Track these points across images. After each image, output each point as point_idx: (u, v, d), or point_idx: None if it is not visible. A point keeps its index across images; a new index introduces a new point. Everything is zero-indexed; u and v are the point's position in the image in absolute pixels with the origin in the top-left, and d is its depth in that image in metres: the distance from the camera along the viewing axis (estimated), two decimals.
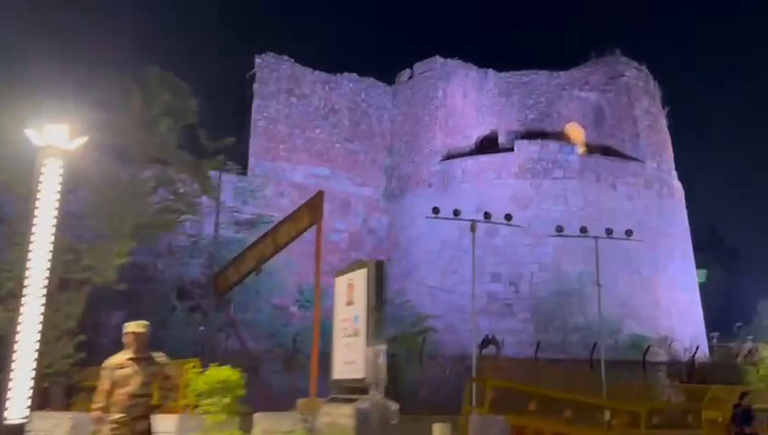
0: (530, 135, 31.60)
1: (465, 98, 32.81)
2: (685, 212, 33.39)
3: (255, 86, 30.46)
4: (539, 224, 28.14)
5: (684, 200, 33.91)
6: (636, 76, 32.38)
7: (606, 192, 29.31)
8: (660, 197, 30.66)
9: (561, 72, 32.91)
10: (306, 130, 31.35)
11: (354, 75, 33.73)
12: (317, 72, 32.57)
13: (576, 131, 32.65)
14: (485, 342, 23.10)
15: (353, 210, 31.81)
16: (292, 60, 31.90)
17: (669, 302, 28.94)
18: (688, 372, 21.21)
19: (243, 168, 29.22)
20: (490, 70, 32.95)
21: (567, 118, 32.50)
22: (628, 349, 25.39)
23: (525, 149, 29.89)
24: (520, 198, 28.83)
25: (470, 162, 30.52)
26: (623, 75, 32.20)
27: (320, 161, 31.43)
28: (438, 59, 33.24)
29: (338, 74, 33.28)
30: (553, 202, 28.79)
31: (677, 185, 32.67)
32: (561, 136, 31.94)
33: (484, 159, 30.36)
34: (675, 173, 33.60)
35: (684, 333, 28.36)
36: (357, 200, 32.05)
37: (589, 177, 29.39)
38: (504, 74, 32.99)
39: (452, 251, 29.24)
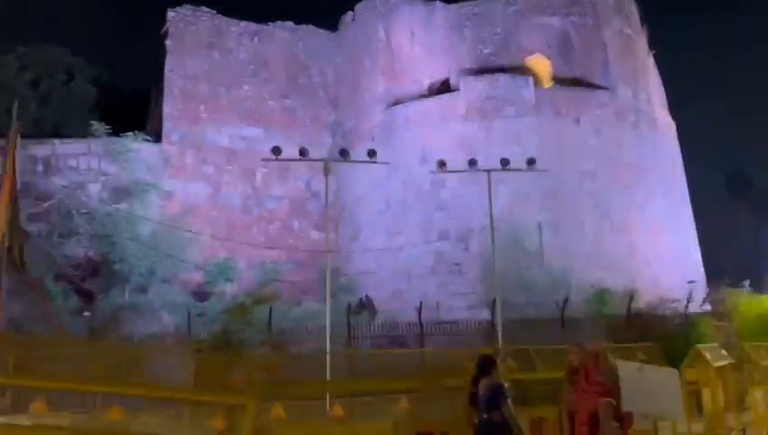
0: (486, 72, 27.72)
1: (412, 37, 29.06)
2: (675, 147, 29.12)
3: (168, 42, 27.38)
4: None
5: (675, 134, 29.62)
6: None
7: (568, 127, 25.34)
8: (636, 128, 26.47)
9: None
10: (232, 87, 28.18)
11: (290, 23, 30.33)
12: (244, 22, 29.30)
13: (540, 64, 28.62)
14: (358, 306, 19.67)
15: (293, 174, 28.59)
16: (214, 11, 28.67)
17: (649, 249, 24.94)
18: (623, 327, 17.43)
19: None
20: (438, 2, 29.05)
21: (528, 50, 28.46)
22: (595, 304, 21.64)
23: (472, 86, 26.09)
24: (468, 143, 25.15)
25: (412, 108, 26.89)
26: None
27: (251, 121, 28.24)
28: None
29: (270, 24, 29.94)
30: (506, 143, 24.95)
31: (662, 116, 28.36)
32: (522, 71, 27.98)
33: (429, 103, 26.70)
34: (660, 102, 29.28)
35: (673, 284, 24.35)
36: (298, 162, 28.71)
37: (546, 112, 25.43)
38: (454, 6, 29.03)
39: (396, 209, 25.83)
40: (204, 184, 26.65)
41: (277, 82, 29.22)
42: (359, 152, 27.77)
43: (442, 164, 18.42)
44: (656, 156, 26.76)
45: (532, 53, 28.38)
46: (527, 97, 25.50)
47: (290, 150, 28.77)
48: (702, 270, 28.05)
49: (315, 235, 28.33)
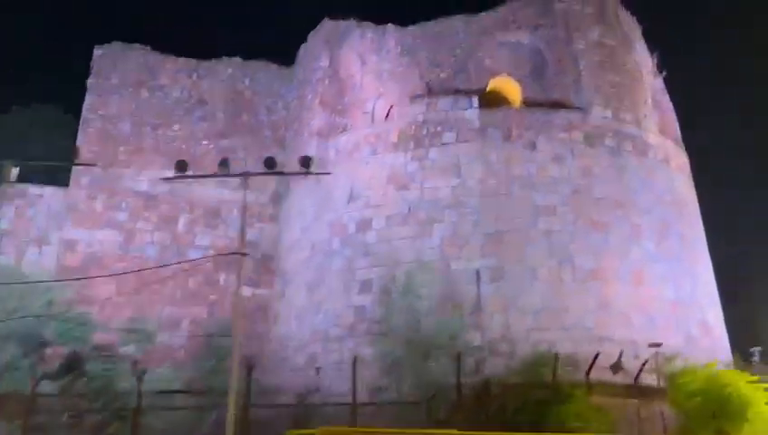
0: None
1: (363, 65, 25.51)
2: (683, 181, 23.61)
3: (90, 81, 25.19)
4: (423, 208, 20.14)
5: (684, 167, 24.16)
6: None
7: (520, 154, 20.63)
8: (616, 156, 21.34)
9: (483, 14, 24.73)
10: (160, 127, 25.45)
11: (237, 59, 27.62)
12: (183, 59, 26.83)
13: (507, 86, 24.25)
14: (62, 367, 15.30)
15: (224, 220, 25.19)
16: (148, 48, 26.40)
17: (629, 302, 19.43)
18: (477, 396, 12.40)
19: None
20: (389, 25, 25.44)
21: (493, 71, 24.17)
22: (528, 373, 16.51)
23: (406, 111, 22.05)
24: (399, 176, 21.00)
25: (343, 140, 23.08)
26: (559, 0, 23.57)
27: (180, 166, 25.20)
28: (327, 22, 26.42)
29: (213, 60, 27.33)
30: (442, 175, 20.59)
31: (660, 143, 23.04)
32: (487, 96, 23.74)
33: (359, 134, 22.81)
34: (660, 128, 24.02)
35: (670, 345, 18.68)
36: (232, 207, 25.39)
37: (493, 136, 20.89)
38: (410, 28, 25.30)
39: (320, 257, 21.78)
40: (113, 232, 23.67)
41: (215, 120, 26.29)
42: (294, 192, 24.34)
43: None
44: (646, 190, 21.42)
45: (497, 74, 24.08)
46: (470, 119, 21.12)
47: (225, 194, 25.85)
48: (721, 331, 21.98)
49: (246, 291, 24.53)
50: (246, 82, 27.36)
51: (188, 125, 25.85)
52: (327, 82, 25.03)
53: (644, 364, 15.55)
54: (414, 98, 22.23)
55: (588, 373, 14.54)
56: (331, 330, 20.33)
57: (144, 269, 21.44)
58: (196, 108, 26.24)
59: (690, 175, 24.69)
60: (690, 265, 21.55)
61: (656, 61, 26.29)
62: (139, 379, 14.83)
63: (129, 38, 26.44)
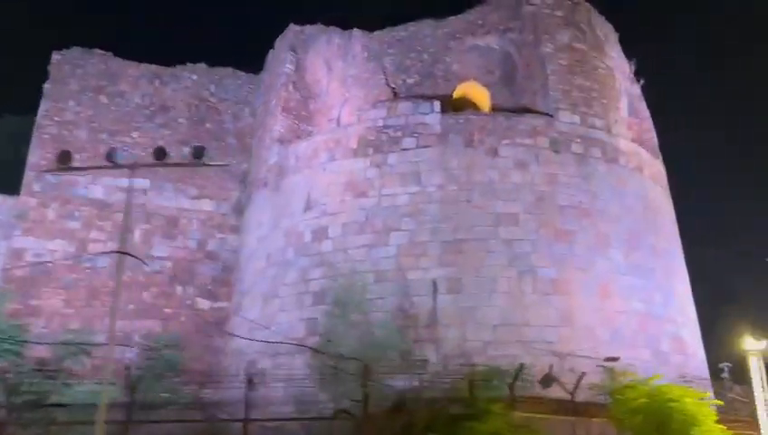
0: None
1: (329, 71, 24.77)
2: (659, 190, 22.69)
3: (46, 86, 24.46)
4: (381, 216, 19.25)
5: (659, 176, 23.28)
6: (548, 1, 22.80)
7: (481, 161, 19.74)
8: (584, 163, 20.43)
9: (452, 18, 23.97)
10: (118, 134, 24.64)
11: (202, 65, 26.89)
12: (145, 65, 26.09)
13: (475, 92, 23.47)
14: None
15: (183, 230, 24.30)
16: (110, 54, 25.69)
17: (596, 316, 18.41)
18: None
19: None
20: (356, 30, 24.70)
21: (461, 77, 23.39)
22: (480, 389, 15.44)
23: (367, 116, 21.21)
24: (357, 183, 20.12)
25: (302, 147, 22.24)
26: (529, 2, 22.78)
27: (136, 172, 24.37)
28: (292, 27, 25.72)
29: (178, 66, 26.62)
30: (401, 183, 19.70)
31: (633, 150, 22.14)
32: (454, 103, 22.97)
33: (318, 139, 21.96)
34: (633, 136, 23.17)
35: (636, 360, 17.67)
36: (192, 217, 24.56)
37: (455, 142, 20.02)
38: (377, 33, 24.53)
39: (276, 268, 20.88)
40: (64, 242, 22.80)
41: (176, 128, 25.50)
42: (254, 201, 23.52)
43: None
44: (615, 198, 20.49)
45: (465, 79, 23.28)
46: (431, 124, 20.26)
47: (184, 203, 25.02)
48: (696, 347, 20.95)
49: (204, 304, 23.67)
50: (212, 88, 26.63)
51: (148, 132, 25.05)
52: (291, 87, 24.26)
53: (580, 378, 14.51)
54: (375, 103, 21.38)
55: (511, 387, 13.54)
56: (281, 349, 19.30)
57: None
58: (157, 115, 25.46)
59: (667, 185, 23.76)
60: (663, 277, 20.53)
61: (633, 68, 25.48)
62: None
63: (91, 44, 25.80)
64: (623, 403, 11.71)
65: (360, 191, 19.95)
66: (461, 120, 20.27)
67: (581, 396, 14.46)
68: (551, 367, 15.52)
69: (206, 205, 24.89)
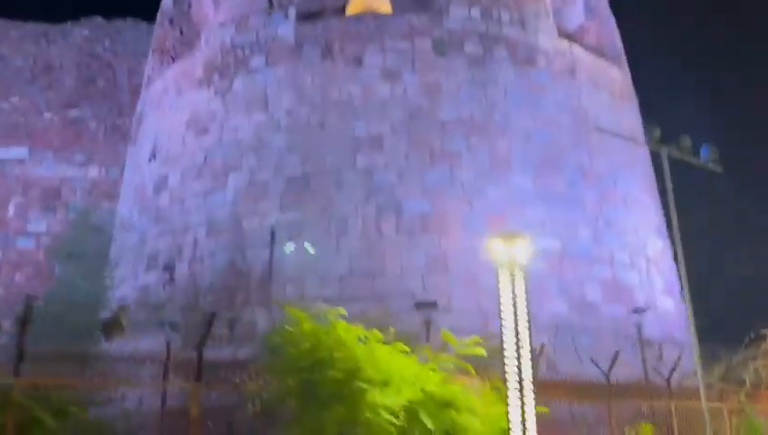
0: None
1: (216, 3, 21.17)
2: (597, 94, 17.65)
3: None
4: (220, 154, 15.58)
5: (614, 78, 18.27)
6: None
7: (341, 73, 15.53)
8: (480, 65, 15.78)
9: None
10: None
11: (98, 19, 24.01)
12: (31, 24, 23.46)
13: (376, 2, 19.17)
14: None
15: (65, 201, 21.40)
16: None
17: (484, 257, 13.88)
18: None
19: None
20: None
21: None
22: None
23: (215, 35, 17.43)
24: (198, 119, 16.42)
25: (155, 86, 18.75)
26: None
27: (12, 140, 21.81)
28: None
29: (70, 22, 23.83)
30: (245, 112, 15.82)
31: (558, 47, 17.18)
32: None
33: (169, 74, 18.37)
34: (545, 28, 18.19)
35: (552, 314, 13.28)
36: (75, 187, 21.62)
37: (310, 54, 15.88)
38: None
39: (124, 232, 17.54)
40: None
41: (62, 89, 22.66)
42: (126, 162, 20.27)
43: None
44: (525, 108, 15.72)
45: None
46: (284, 37, 16.22)
47: (68, 172, 22.15)
48: (647, 292, 15.91)
49: (86, 285, 20.62)
50: (107, 43, 23.64)
51: (29, 96, 22.34)
52: (167, 24, 20.84)
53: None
54: (223, 21, 17.60)
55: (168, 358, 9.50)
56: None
57: None
58: (40, 76, 22.72)
59: (629, 95, 18.69)
60: (596, 207, 15.59)
61: None
62: None
63: None
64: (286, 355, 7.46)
65: (201, 128, 16.24)
66: (318, 28, 16.11)
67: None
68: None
69: (94, 171, 21.89)
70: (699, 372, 10.56)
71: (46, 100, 22.39)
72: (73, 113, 22.50)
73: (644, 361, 12.87)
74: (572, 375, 12.20)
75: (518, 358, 6.52)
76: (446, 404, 7.32)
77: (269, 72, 15.97)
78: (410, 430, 6.96)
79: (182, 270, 15.01)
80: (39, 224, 21.10)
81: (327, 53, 15.71)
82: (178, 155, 16.41)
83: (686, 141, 10.40)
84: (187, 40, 20.77)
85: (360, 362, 7.06)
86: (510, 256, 6.92)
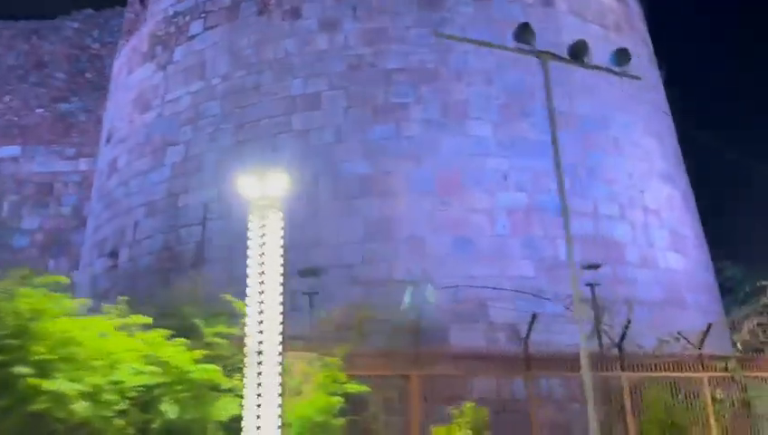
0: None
1: None
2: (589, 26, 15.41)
3: None
4: (160, 130, 14.66)
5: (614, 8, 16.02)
6: None
7: (278, 30, 14.11)
8: (426, 6, 13.94)
9: None
10: None
11: (88, 10, 23.67)
12: (22, 22, 23.38)
13: None
14: None
15: (57, 196, 21.12)
16: None
17: (433, 220, 12.18)
18: None
19: None
20: None
21: None
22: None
23: (159, 5, 16.37)
24: (143, 96, 15.48)
25: (115, 65, 17.93)
26: None
27: (6, 139, 21.73)
28: None
29: (60, 17, 23.57)
30: (184, 82, 14.70)
31: None
32: None
33: (123, 53, 17.49)
34: None
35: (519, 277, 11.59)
36: (67, 181, 21.31)
37: (246, 13, 14.54)
38: None
39: (82, 218, 16.99)
40: None
41: (53, 84, 22.41)
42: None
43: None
44: (490, 48, 13.74)
45: None
46: None
47: (60, 166, 21.86)
48: (665, 253, 13.67)
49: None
50: (95, 34, 23.25)
51: (21, 94, 22.20)
52: (138, 6, 20.02)
53: None
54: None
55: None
56: None
57: None
58: (31, 73, 22.55)
59: (633, 30, 16.29)
60: (579, 153, 13.47)
61: None
62: None
63: None
64: None
65: (145, 104, 15.25)
66: None
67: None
68: None
69: (83, 164, 21.49)
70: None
71: (37, 96, 22.20)
72: (64, 107, 22.21)
73: (598, 327, 10.77)
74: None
75: (260, 321, 5.07)
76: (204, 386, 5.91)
77: (207, 37, 14.79)
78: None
79: (124, 255, 14.09)
80: (32, 221, 20.91)
81: (264, 8, 14.30)
82: (126, 135, 15.52)
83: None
84: (144, 16, 19.96)
85: (34, 339, 5.73)
86: (263, 193, 5.45)
